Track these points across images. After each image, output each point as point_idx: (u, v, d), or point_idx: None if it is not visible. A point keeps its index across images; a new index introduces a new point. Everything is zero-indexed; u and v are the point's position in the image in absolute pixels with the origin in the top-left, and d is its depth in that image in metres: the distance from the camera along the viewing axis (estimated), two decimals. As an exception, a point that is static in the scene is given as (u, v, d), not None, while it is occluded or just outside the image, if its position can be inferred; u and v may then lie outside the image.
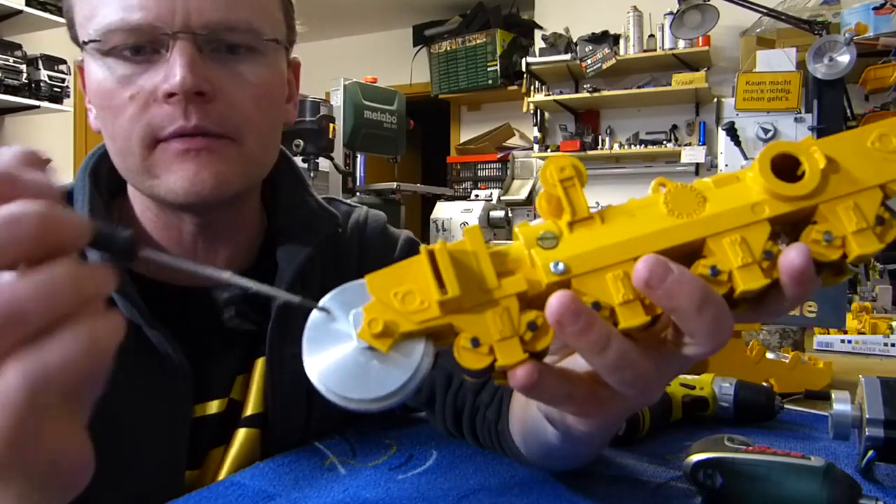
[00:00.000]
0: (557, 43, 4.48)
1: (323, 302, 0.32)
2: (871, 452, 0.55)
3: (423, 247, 0.32)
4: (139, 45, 0.54)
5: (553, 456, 0.51)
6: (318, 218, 0.69)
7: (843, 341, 1.29)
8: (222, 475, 0.62)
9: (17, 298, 0.25)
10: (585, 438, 0.43)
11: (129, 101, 0.54)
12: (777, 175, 0.32)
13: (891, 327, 1.33)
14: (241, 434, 0.63)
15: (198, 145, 0.55)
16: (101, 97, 0.56)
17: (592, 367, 0.33)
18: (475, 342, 0.31)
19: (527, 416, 0.50)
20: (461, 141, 5.37)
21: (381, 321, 0.31)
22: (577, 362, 0.36)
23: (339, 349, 0.32)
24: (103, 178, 0.63)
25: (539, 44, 4.66)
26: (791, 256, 0.30)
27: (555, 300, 0.30)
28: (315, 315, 0.33)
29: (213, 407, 0.63)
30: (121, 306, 0.57)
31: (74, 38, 0.59)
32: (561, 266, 0.32)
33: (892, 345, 1.27)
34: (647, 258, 0.31)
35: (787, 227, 0.33)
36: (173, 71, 0.53)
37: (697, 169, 4.32)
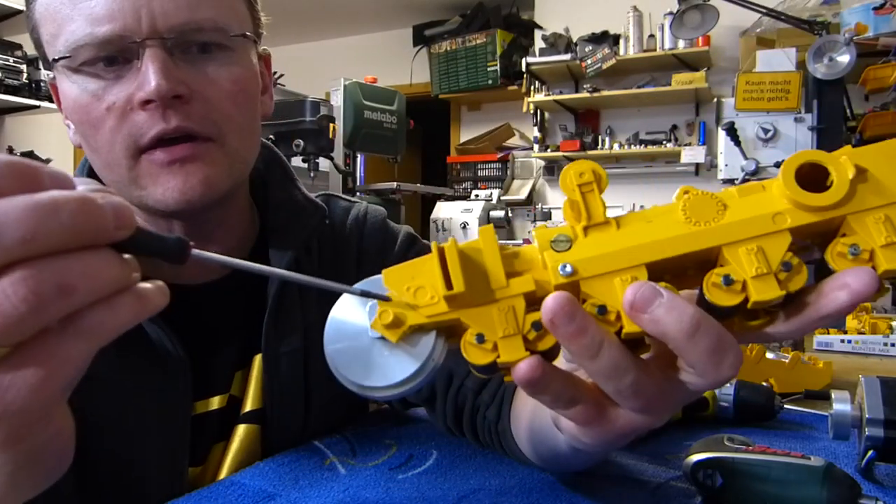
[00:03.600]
0: (557, 43, 4.48)
1: (353, 287, 0.33)
2: (870, 452, 0.55)
3: (434, 244, 0.33)
4: (110, 57, 0.53)
5: (560, 462, 0.51)
6: (304, 211, 0.70)
7: (842, 341, 1.29)
8: (223, 472, 0.62)
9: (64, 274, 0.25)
10: (591, 451, 0.42)
11: (106, 113, 0.54)
12: (804, 185, 0.31)
13: (891, 327, 1.33)
14: (241, 430, 0.63)
15: (182, 153, 0.54)
16: (79, 113, 0.55)
17: (587, 373, 0.32)
18: (480, 338, 0.32)
19: (535, 420, 0.50)
20: (461, 141, 5.37)
21: (391, 313, 0.32)
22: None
23: (355, 338, 0.33)
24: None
25: (539, 44, 4.66)
26: (848, 278, 0.29)
27: (550, 300, 0.30)
28: (339, 303, 0.34)
29: (215, 403, 0.63)
30: None
31: (44, 59, 0.57)
32: (569, 268, 0.32)
33: (892, 345, 1.27)
34: (637, 283, 0.30)
35: (817, 240, 0.32)
36: (147, 78, 0.52)
37: (697, 169, 4.32)
